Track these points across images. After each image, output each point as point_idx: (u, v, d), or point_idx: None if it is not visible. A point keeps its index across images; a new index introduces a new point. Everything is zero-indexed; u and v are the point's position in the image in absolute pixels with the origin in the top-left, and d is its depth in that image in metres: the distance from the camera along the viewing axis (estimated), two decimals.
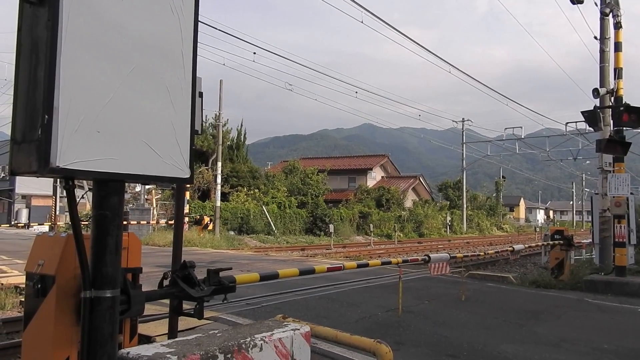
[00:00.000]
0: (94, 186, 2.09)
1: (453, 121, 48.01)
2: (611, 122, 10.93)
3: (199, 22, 2.32)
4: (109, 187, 2.07)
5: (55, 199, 29.65)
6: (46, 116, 1.76)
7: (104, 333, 2.06)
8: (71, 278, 2.43)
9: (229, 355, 2.08)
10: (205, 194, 31.96)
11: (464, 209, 48.31)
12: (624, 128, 10.47)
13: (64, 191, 2.05)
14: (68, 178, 1.94)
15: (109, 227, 2.07)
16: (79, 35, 1.83)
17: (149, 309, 5.86)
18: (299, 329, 2.44)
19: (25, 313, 2.64)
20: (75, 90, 1.83)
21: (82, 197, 3.66)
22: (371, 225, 32.36)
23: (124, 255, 2.60)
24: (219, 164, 25.92)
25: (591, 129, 12.20)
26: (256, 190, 32.90)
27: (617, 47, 11.37)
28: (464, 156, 48.08)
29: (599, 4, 12.12)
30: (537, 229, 45.97)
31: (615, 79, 11.16)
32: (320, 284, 9.24)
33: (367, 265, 6.74)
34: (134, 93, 2.01)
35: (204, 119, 35.77)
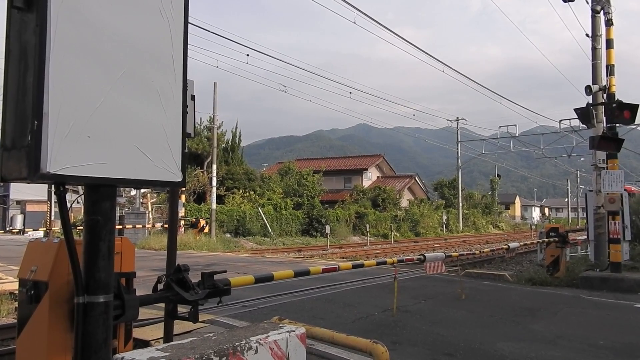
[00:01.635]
0: (85, 191, 2.08)
1: (447, 120, 48.18)
2: (604, 119, 10.97)
3: (190, 25, 2.32)
4: (101, 192, 2.06)
5: (50, 205, 29.48)
6: (36, 122, 1.75)
7: (98, 339, 2.06)
8: (64, 284, 2.42)
9: (224, 358, 2.09)
10: (200, 197, 31.90)
11: (460, 208, 48.40)
12: (617, 125, 10.52)
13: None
14: (59, 184, 1.93)
15: (101, 232, 2.06)
16: (68, 40, 1.83)
17: (146, 312, 5.85)
18: (294, 331, 2.45)
19: (19, 320, 2.62)
20: (65, 95, 1.82)
21: (76, 202, 3.64)
22: (367, 225, 32.37)
23: (117, 260, 2.59)
24: (214, 166, 25.87)
25: (584, 126, 12.23)
26: (252, 192, 32.86)
27: (609, 44, 11.42)
28: (459, 155, 48.21)
29: (590, 1, 12.16)
30: (533, 227, 46.10)
31: (607, 75, 11.20)
32: (317, 285, 9.24)
33: (362, 265, 6.74)
34: (124, 97, 2.00)
35: (198, 122, 35.67)
